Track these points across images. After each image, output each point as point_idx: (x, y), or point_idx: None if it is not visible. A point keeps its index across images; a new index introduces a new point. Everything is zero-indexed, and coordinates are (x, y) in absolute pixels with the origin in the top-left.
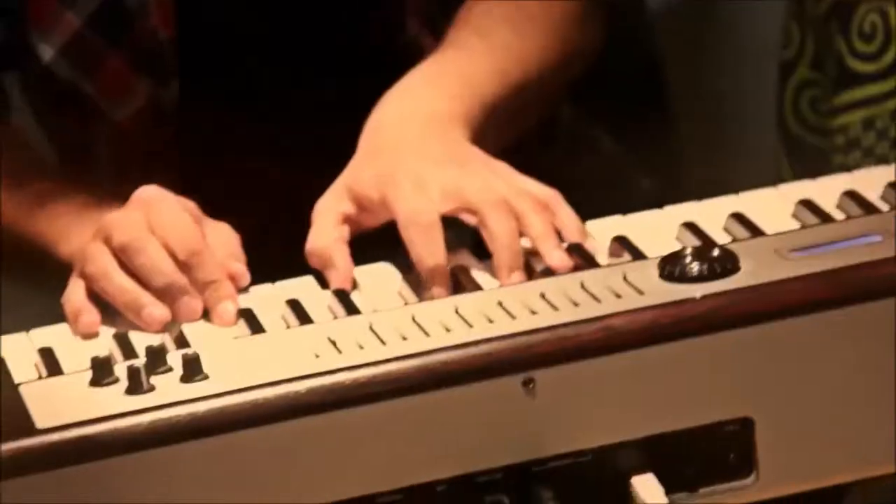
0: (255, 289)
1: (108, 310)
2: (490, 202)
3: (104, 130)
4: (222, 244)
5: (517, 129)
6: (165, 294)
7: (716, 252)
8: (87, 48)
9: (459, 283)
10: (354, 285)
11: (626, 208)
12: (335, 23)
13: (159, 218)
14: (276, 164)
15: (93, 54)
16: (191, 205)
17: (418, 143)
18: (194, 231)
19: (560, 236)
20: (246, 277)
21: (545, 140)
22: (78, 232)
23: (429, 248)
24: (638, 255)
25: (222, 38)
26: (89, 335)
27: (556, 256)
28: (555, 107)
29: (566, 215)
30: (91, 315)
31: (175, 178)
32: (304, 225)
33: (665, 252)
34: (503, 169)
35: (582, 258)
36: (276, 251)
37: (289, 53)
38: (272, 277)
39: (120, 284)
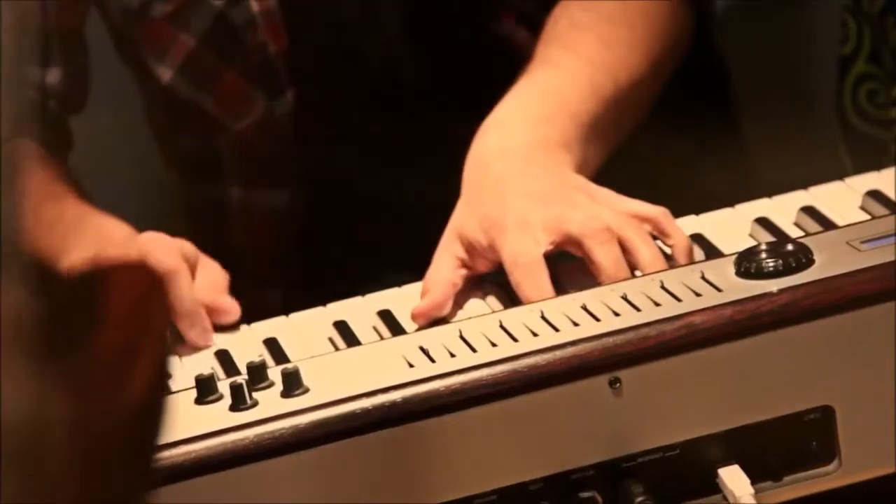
0: (348, 301)
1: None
2: (592, 232)
3: (226, 140)
4: (209, 282)
5: (616, 141)
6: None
7: (790, 247)
8: (203, 66)
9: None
10: None
11: (694, 208)
12: (445, 23)
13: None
14: (389, 168)
15: (209, 71)
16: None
17: (520, 179)
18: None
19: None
20: (234, 313)
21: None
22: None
23: (534, 289)
24: (714, 252)
25: (331, 49)
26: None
27: None
28: (649, 112)
29: (675, 234)
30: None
31: (296, 185)
32: (418, 232)
33: (740, 248)
34: (605, 195)
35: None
36: (388, 252)
37: (395, 62)
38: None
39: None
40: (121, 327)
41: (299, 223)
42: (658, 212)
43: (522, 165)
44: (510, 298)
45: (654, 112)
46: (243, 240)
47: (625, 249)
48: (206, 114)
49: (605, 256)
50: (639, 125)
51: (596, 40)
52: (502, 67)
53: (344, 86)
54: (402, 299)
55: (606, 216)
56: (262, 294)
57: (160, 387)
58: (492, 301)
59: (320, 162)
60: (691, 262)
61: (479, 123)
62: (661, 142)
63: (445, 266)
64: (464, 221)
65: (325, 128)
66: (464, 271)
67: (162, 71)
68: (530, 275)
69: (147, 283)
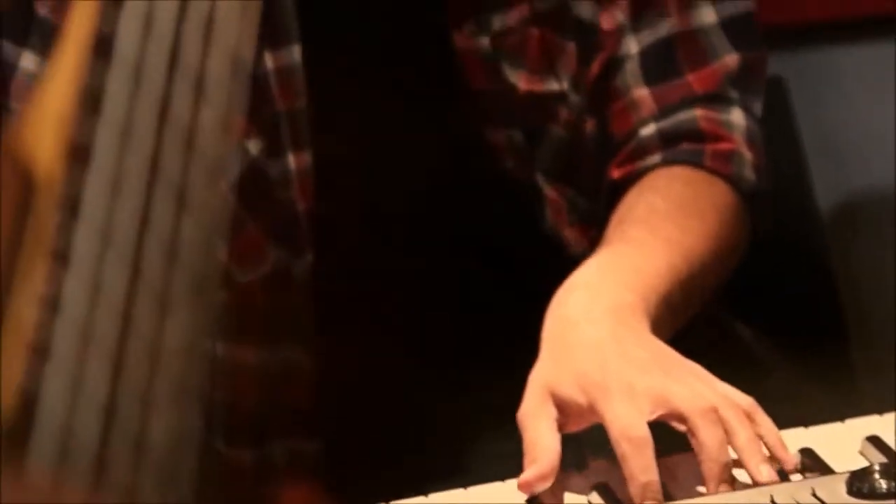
0: (450, 492)
1: None
2: (699, 411)
3: (229, 291)
4: None
5: (676, 325)
6: None
7: None
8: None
9: (668, 492)
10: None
11: (799, 421)
12: (473, 201)
13: None
14: (411, 343)
15: (233, 220)
16: None
17: (615, 342)
18: None
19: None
20: None
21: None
22: None
23: (642, 464)
24: (824, 468)
25: (358, 213)
26: None
27: (764, 472)
28: (710, 300)
29: (766, 425)
30: None
31: (307, 348)
32: (437, 403)
33: (849, 466)
34: (703, 373)
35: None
36: (404, 429)
37: (426, 235)
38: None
39: None
40: None
41: (288, 386)
42: (749, 401)
43: (613, 328)
44: (614, 500)
45: (760, 321)
46: (223, 396)
47: (724, 431)
48: None
49: (710, 437)
50: (694, 316)
51: (674, 226)
52: (537, 258)
53: (367, 255)
54: (507, 494)
55: (710, 396)
56: (238, 455)
57: None
58: (594, 498)
59: (327, 329)
60: (785, 450)
61: (513, 314)
62: (765, 349)
63: (547, 431)
64: (555, 379)
65: (339, 295)
66: (559, 435)
67: None
68: (639, 450)
69: None
